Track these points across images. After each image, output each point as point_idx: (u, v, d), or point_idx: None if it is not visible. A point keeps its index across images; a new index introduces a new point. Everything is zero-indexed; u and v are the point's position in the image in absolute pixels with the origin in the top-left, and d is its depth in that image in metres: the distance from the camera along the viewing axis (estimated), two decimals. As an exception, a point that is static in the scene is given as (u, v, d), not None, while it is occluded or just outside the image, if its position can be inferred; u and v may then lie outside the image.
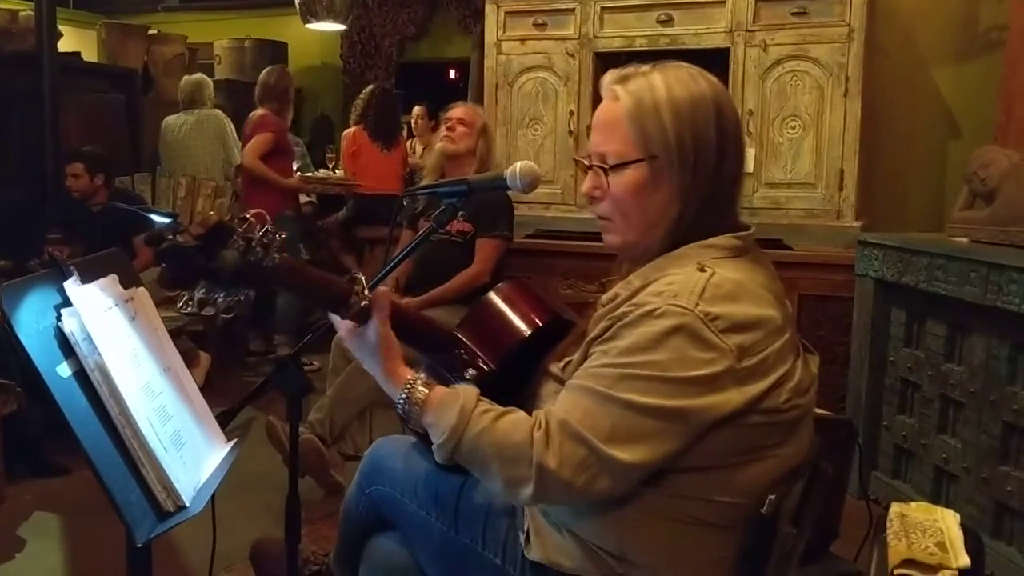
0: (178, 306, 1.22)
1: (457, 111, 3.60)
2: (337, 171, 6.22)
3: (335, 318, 1.42)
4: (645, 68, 1.35)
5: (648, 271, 1.32)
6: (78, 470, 3.22)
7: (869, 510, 1.93)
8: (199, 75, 6.06)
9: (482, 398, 1.31)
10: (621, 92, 1.33)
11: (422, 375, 1.38)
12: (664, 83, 1.31)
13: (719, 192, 1.32)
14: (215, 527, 1.60)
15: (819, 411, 1.49)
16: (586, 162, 1.38)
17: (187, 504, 1.38)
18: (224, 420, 1.68)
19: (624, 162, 1.32)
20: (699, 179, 1.29)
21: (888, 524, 1.78)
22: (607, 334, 1.26)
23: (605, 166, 1.34)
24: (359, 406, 3.22)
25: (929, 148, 4.31)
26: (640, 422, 1.19)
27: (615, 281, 1.38)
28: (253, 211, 1.23)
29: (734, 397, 1.20)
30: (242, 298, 1.24)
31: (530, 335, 1.58)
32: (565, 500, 1.30)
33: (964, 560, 1.65)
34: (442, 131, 3.64)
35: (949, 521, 1.78)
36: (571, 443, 1.20)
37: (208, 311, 1.23)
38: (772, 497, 1.25)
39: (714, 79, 1.35)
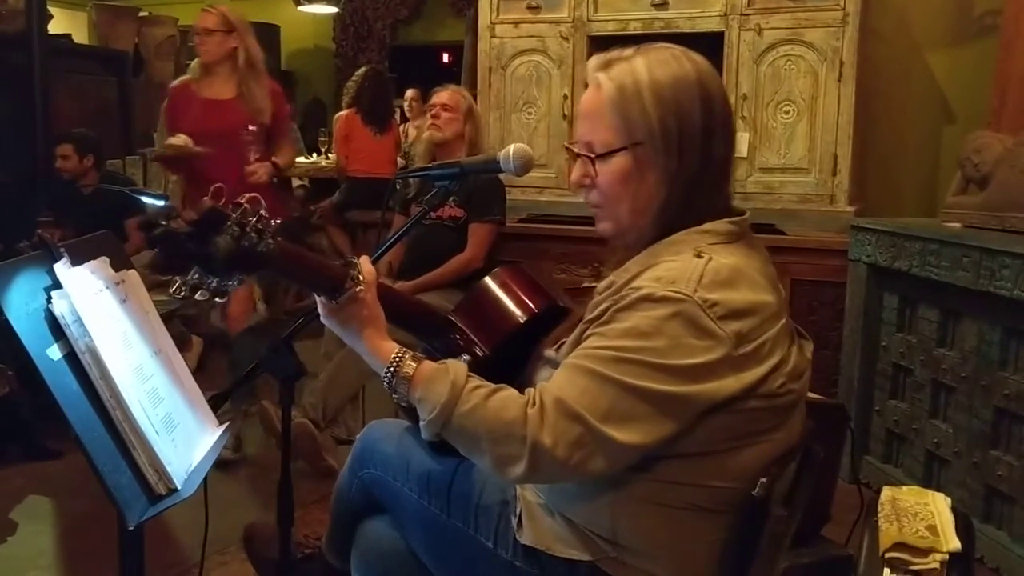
0: (171, 291, 1.21)
1: (441, 96, 3.57)
2: (330, 155, 6.20)
3: (318, 298, 1.40)
4: (628, 52, 1.34)
5: (644, 258, 1.31)
6: (70, 453, 3.22)
7: (860, 494, 1.93)
8: None
9: (471, 374, 1.30)
10: (603, 79, 1.32)
11: (410, 351, 1.37)
12: (646, 67, 1.30)
13: (708, 174, 1.31)
14: (207, 510, 1.59)
15: (811, 395, 1.49)
16: (575, 150, 1.38)
17: (179, 487, 1.37)
18: (216, 404, 1.67)
19: (610, 151, 1.32)
20: (686, 162, 1.29)
21: (879, 508, 1.78)
22: (604, 316, 1.25)
23: (592, 155, 1.34)
24: (352, 390, 3.23)
25: (923, 133, 4.30)
26: (637, 405, 1.19)
27: (609, 268, 1.38)
28: (248, 196, 1.22)
29: (731, 383, 1.20)
30: (235, 282, 1.24)
31: (525, 322, 1.58)
32: (556, 478, 1.30)
33: (955, 543, 1.66)
34: (428, 119, 3.61)
35: (940, 505, 1.79)
36: (566, 421, 1.19)
37: (201, 295, 1.22)
38: (764, 480, 1.25)
39: (700, 59, 1.33)
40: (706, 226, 1.30)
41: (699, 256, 1.25)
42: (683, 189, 1.30)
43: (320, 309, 1.42)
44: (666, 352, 1.18)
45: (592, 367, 1.21)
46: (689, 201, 1.30)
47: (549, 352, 1.43)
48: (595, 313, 1.28)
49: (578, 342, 1.29)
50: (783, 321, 1.29)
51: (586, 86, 1.39)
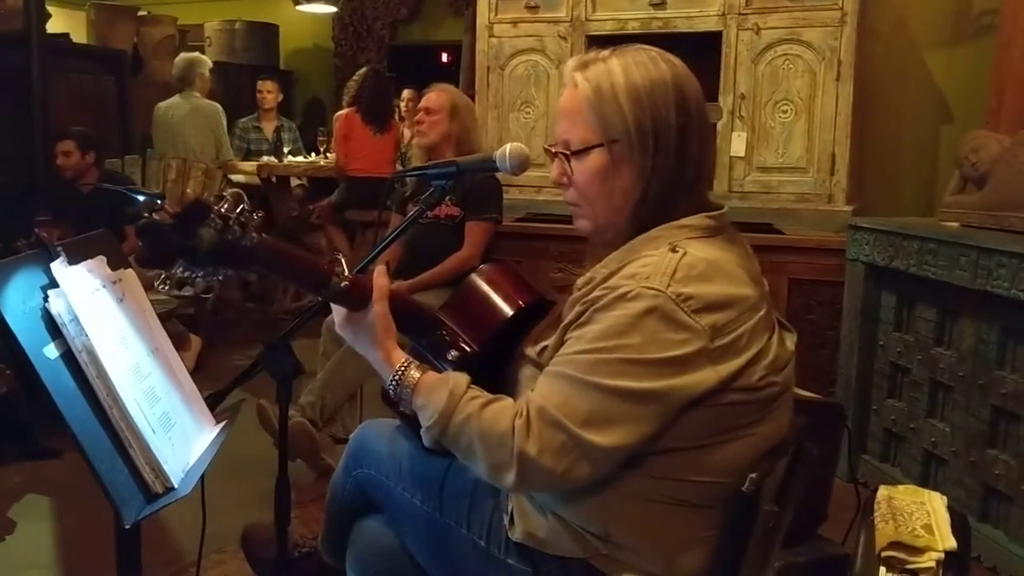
0: (155, 284, 1.21)
1: (427, 99, 3.56)
2: (329, 154, 6.20)
3: (335, 306, 1.43)
4: (604, 54, 1.36)
5: (622, 254, 1.33)
6: (68, 452, 3.21)
7: (857, 493, 1.94)
8: (195, 54, 5.98)
9: (472, 385, 1.33)
10: (580, 79, 1.34)
11: (415, 360, 1.39)
12: (622, 68, 1.32)
13: (684, 172, 1.32)
14: (205, 510, 1.60)
15: (808, 394, 1.50)
16: (552, 150, 1.40)
17: (175, 486, 1.38)
18: (213, 402, 1.67)
19: (585, 148, 1.34)
20: (661, 161, 1.30)
21: (876, 507, 1.79)
22: (582, 319, 1.27)
23: (568, 152, 1.36)
24: (349, 389, 3.22)
25: (921, 132, 4.31)
26: (617, 406, 1.20)
27: (590, 264, 1.39)
28: (231, 190, 1.22)
29: (709, 376, 1.21)
30: (221, 277, 1.24)
31: (511, 316, 1.58)
32: (547, 486, 1.31)
33: (950, 542, 1.67)
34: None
35: (936, 504, 1.79)
36: (549, 429, 1.21)
37: (187, 290, 1.22)
38: (753, 476, 1.26)
39: (676, 61, 1.35)
40: (683, 221, 1.32)
41: (674, 251, 1.26)
42: (659, 187, 1.31)
43: (336, 318, 1.45)
44: (642, 347, 1.20)
45: (570, 373, 1.23)
46: (665, 199, 1.32)
47: (530, 351, 1.44)
48: (573, 315, 1.30)
49: (560, 346, 1.31)
50: (762, 313, 1.29)
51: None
